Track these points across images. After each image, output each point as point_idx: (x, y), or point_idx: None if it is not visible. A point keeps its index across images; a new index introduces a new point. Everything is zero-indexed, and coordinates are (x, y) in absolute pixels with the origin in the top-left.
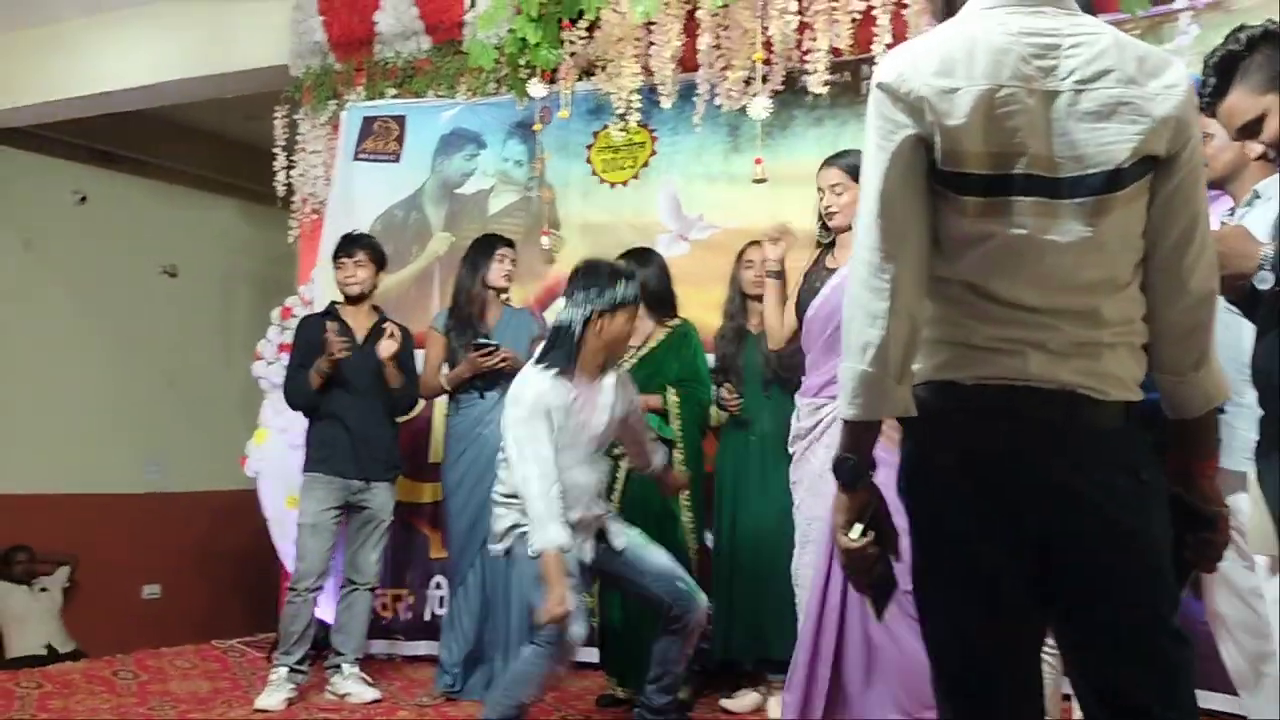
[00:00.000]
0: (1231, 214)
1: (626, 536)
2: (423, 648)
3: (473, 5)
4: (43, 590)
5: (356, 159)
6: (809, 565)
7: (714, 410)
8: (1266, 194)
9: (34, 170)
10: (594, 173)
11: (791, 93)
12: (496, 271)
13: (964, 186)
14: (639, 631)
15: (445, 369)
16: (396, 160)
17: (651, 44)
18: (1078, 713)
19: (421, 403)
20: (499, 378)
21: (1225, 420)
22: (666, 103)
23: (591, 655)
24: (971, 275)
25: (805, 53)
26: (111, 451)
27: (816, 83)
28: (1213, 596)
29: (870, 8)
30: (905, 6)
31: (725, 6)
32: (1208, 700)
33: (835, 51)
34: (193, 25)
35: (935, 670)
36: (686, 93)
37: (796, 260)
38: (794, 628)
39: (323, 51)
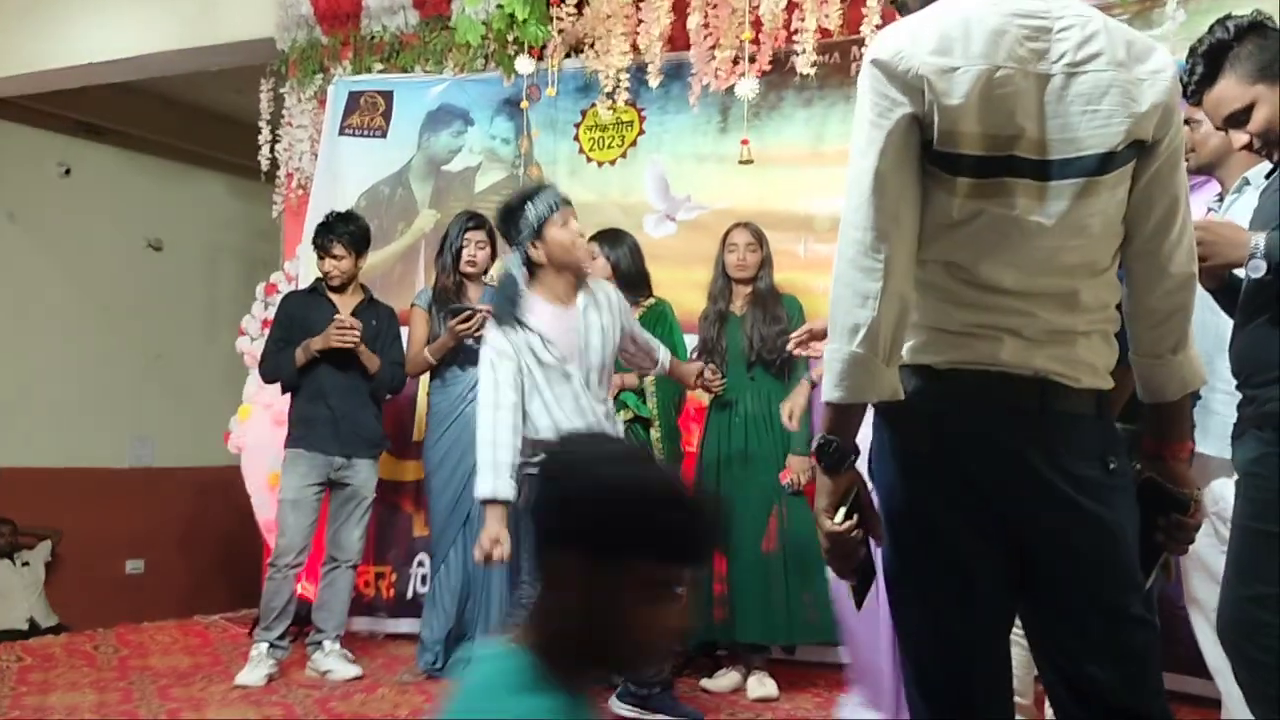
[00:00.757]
0: (1220, 200)
1: None
2: (405, 625)
3: None
4: (24, 565)
5: (342, 134)
6: None
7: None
8: (1256, 181)
9: (18, 141)
10: (581, 151)
11: (780, 74)
12: (464, 256)
13: (957, 167)
14: None
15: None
16: (383, 136)
17: (640, 22)
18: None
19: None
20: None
21: (1204, 405)
22: (655, 81)
23: None
24: (952, 256)
25: (793, 33)
26: (95, 426)
27: (805, 63)
28: (1190, 582)
29: None
30: None
31: None
32: (1185, 684)
33: (824, 32)
34: None
35: (906, 653)
36: (674, 72)
37: (780, 243)
38: (775, 610)
39: (309, 25)
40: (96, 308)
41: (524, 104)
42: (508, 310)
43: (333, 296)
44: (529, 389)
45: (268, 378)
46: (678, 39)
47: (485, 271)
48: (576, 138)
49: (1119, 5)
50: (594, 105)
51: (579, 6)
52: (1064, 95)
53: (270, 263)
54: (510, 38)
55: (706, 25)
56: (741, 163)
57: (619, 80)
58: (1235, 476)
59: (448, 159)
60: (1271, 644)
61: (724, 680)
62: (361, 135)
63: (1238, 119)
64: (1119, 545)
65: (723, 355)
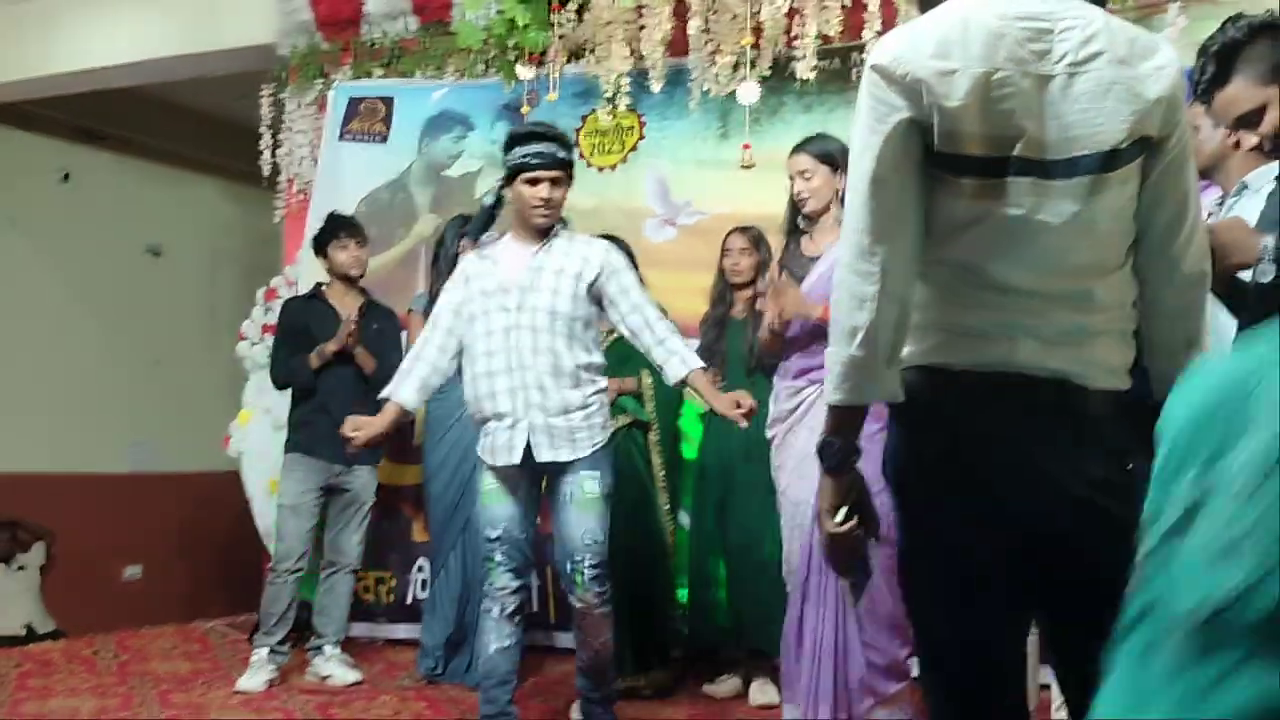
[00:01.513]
0: (1221, 204)
1: (572, 484)
2: (404, 631)
3: None
4: (20, 569)
5: (343, 139)
6: (798, 551)
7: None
8: (1255, 185)
9: (18, 147)
10: (582, 156)
11: (780, 79)
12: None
13: (961, 168)
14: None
15: None
16: (383, 141)
17: (641, 27)
18: (1055, 700)
19: None
20: None
21: None
22: (656, 87)
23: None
24: (964, 257)
25: (794, 39)
26: (94, 431)
27: (805, 69)
28: None
29: None
30: None
31: None
32: None
33: (825, 38)
34: (180, 2)
35: (920, 654)
36: (675, 78)
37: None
38: (779, 614)
39: (310, 31)
40: (96, 313)
41: (524, 109)
42: (474, 231)
43: (333, 299)
44: (473, 315)
45: (280, 383)
46: (678, 44)
47: None
48: (577, 143)
49: (1120, 11)
50: (594, 111)
51: (579, 12)
52: (1066, 95)
53: (269, 269)
54: (511, 43)
55: (707, 31)
56: (743, 168)
57: (619, 86)
58: None
59: (448, 164)
60: None
61: (725, 686)
62: (362, 140)
63: (1249, 120)
64: (1137, 546)
65: (723, 359)
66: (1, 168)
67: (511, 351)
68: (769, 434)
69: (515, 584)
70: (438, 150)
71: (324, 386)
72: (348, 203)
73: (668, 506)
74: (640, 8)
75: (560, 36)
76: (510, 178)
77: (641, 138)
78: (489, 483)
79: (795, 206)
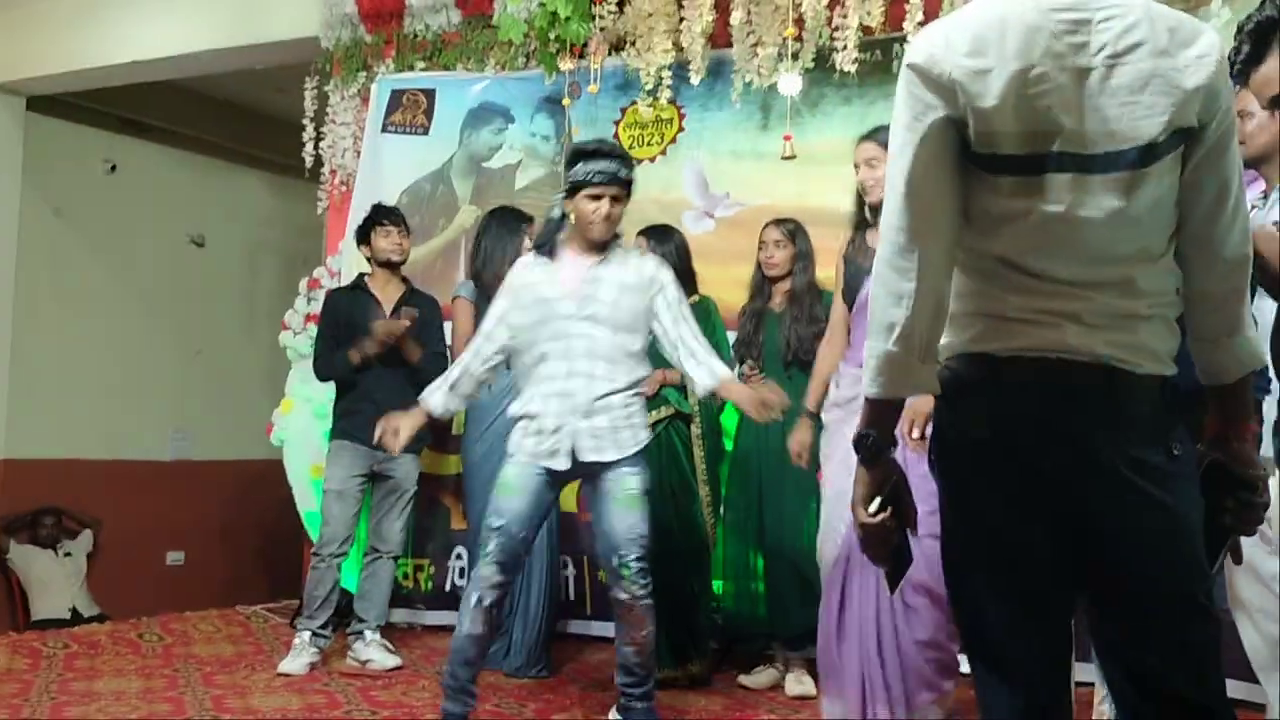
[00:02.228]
0: (1265, 197)
1: (614, 482)
2: (443, 617)
3: None
4: (67, 555)
5: (385, 131)
6: (839, 543)
7: None
8: None
9: (65, 138)
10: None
11: (821, 70)
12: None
13: (998, 166)
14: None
15: None
16: (425, 133)
17: (682, 19)
18: (1099, 692)
19: None
20: None
21: None
22: (696, 79)
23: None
24: (1006, 251)
25: (836, 30)
26: (138, 419)
27: (847, 60)
28: (1235, 582)
29: None
30: None
31: None
32: (1230, 688)
33: (866, 29)
34: None
35: (965, 638)
36: (715, 69)
37: (820, 240)
38: (816, 606)
39: (353, 24)
40: (139, 302)
41: (565, 101)
42: (542, 241)
43: (375, 289)
44: (524, 322)
45: (322, 376)
46: (718, 36)
47: None
48: (616, 135)
49: (1165, 4)
50: (634, 103)
51: (620, 4)
52: (1104, 88)
53: (311, 259)
54: (552, 36)
55: (749, 22)
56: (784, 158)
57: (660, 78)
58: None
59: (488, 156)
60: None
61: (762, 677)
62: (404, 133)
63: None
64: (1183, 533)
65: (760, 352)
66: (49, 158)
67: (564, 357)
68: (825, 417)
69: (499, 578)
70: (478, 142)
71: (369, 374)
72: (389, 194)
73: (709, 498)
74: (681, 0)
75: (601, 29)
76: (573, 191)
77: (681, 130)
78: (509, 475)
79: (861, 198)
